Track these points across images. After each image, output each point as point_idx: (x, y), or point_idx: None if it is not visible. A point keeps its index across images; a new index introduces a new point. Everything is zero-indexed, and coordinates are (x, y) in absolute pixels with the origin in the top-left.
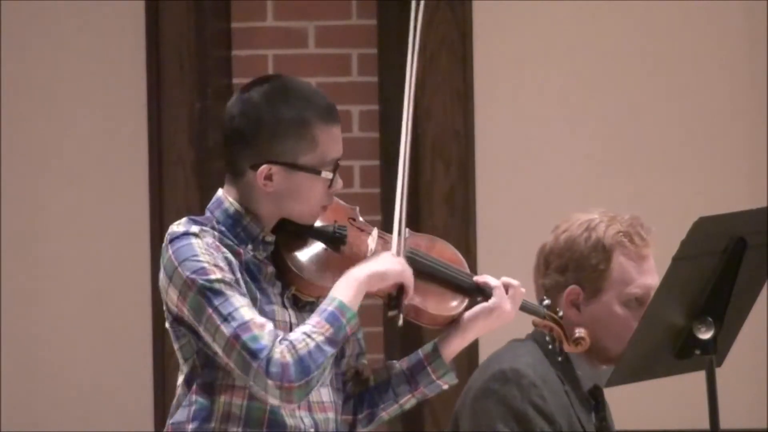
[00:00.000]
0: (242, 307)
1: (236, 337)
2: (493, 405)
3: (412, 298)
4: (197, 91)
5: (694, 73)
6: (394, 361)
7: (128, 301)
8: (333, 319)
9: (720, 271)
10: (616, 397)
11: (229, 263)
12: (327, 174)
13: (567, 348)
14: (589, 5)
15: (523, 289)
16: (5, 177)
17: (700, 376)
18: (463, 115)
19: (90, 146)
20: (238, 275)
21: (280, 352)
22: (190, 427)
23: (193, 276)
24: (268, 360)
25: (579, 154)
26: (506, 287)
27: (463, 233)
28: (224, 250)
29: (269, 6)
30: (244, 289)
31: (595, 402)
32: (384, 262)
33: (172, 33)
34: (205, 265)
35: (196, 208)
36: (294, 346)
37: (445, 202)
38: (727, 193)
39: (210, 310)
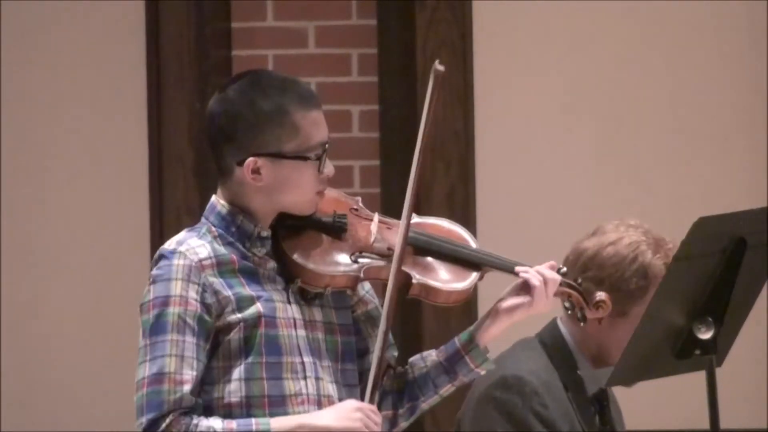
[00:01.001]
0: (171, 356)
1: (148, 382)
2: (494, 412)
3: (422, 278)
4: (197, 91)
5: (694, 73)
6: (428, 352)
7: (128, 302)
8: (246, 428)
9: (720, 271)
10: (617, 397)
11: (210, 285)
12: (312, 158)
13: (589, 314)
14: (589, 5)
15: (558, 279)
16: (5, 177)
17: (700, 376)
18: (463, 115)
19: (90, 146)
20: (227, 293)
21: (174, 423)
22: None
23: (155, 301)
24: (153, 423)
25: (579, 154)
26: (544, 281)
27: None
28: (208, 271)
29: (269, 6)
30: (230, 312)
31: (600, 406)
32: (340, 418)
33: (172, 33)
34: (172, 293)
35: (196, 208)
36: (188, 427)
37: (445, 202)
38: (727, 193)
39: (146, 341)
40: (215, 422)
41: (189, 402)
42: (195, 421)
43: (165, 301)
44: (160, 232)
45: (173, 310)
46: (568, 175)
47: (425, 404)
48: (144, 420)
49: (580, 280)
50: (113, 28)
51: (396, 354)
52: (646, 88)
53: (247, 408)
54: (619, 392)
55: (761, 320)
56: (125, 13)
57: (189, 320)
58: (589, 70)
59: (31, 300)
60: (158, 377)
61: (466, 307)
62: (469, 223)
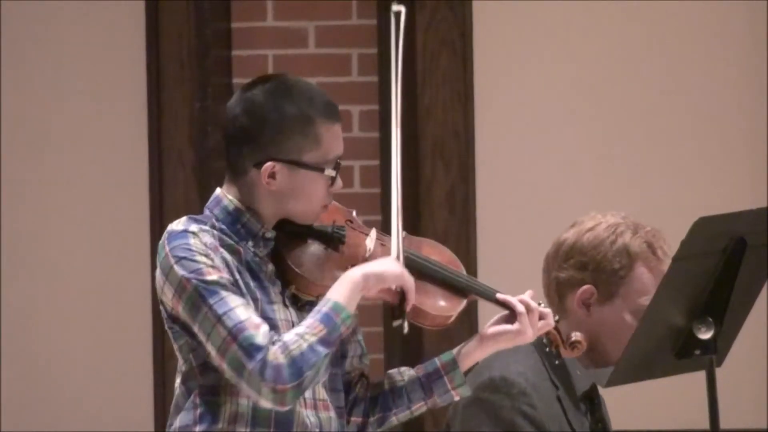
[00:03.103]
0: (238, 307)
1: (233, 336)
2: (483, 414)
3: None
4: (197, 91)
5: (694, 73)
6: (406, 368)
7: (128, 302)
8: (327, 319)
9: (720, 271)
10: (617, 397)
11: (227, 264)
12: (330, 172)
13: (563, 352)
14: (590, 5)
15: (544, 311)
16: (5, 177)
17: (700, 376)
18: (463, 115)
19: (90, 146)
20: (237, 276)
21: (274, 354)
22: (198, 428)
23: (189, 276)
24: (263, 362)
25: (579, 153)
26: (527, 309)
27: (463, 233)
28: (222, 250)
29: (269, 6)
30: (243, 290)
31: (590, 404)
32: (382, 264)
33: (172, 33)
34: (202, 266)
35: (196, 208)
36: (287, 347)
37: (445, 202)
38: (727, 193)
39: (206, 309)
40: (299, 329)
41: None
42: (285, 338)
43: (199, 272)
44: (160, 232)
45: (211, 278)
46: (568, 174)
47: (395, 417)
48: (251, 366)
49: (557, 318)
50: (113, 28)
51: (368, 362)
52: (646, 88)
53: (252, 411)
54: (619, 392)
55: (761, 320)
56: (125, 13)
57: (228, 284)
58: (589, 70)
59: (30, 300)
60: (239, 326)
61: (467, 321)
62: (469, 223)
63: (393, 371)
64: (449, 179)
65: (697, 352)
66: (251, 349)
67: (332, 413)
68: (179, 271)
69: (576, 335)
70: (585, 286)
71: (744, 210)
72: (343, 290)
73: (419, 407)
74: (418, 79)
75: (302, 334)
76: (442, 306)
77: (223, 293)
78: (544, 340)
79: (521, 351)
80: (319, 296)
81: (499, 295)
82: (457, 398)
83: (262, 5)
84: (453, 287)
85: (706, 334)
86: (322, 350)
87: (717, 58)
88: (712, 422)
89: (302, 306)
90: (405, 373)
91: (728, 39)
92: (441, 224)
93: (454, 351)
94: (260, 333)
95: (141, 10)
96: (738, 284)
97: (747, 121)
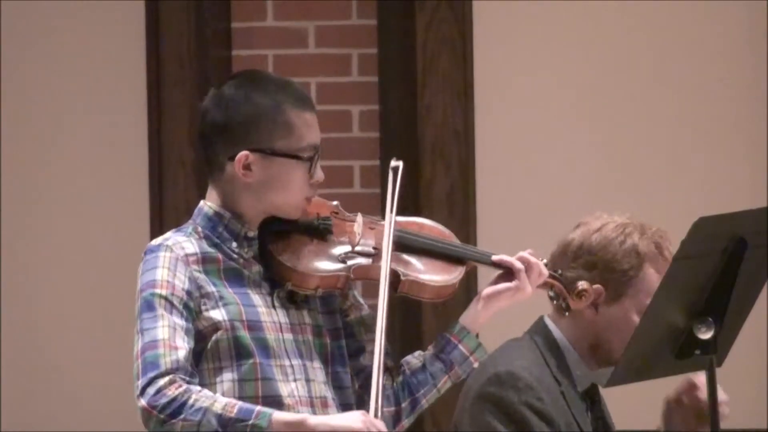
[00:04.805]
0: (164, 327)
1: (143, 351)
2: (490, 408)
3: (409, 274)
4: (197, 91)
5: (694, 73)
6: (419, 352)
7: (128, 301)
8: (246, 412)
9: (720, 271)
10: (617, 397)
11: (195, 279)
12: (304, 159)
13: (572, 303)
14: (590, 5)
15: (542, 265)
16: (5, 177)
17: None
18: (463, 115)
19: (90, 146)
20: (210, 289)
21: (170, 383)
22: None
23: (142, 287)
24: (152, 380)
25: (579, 153)
26: (526, 265)
27: (463, 233)
28: (194, 266)
29: (269, 6)
30: (214, 302)
31: (591, 401)
32: (343, 419)
33: (172, 33)
34: (158, 278)
35: (195, 209)
36: (187, 391)
37: (445, 202)
38: (727, 193)
39: (138, 321)
40: (219, 398)
41: (185, 366)
42: (198, 388)
43: (152, 284)
44: (160, 232)
45: (159, 292)
46: (568, 174)
47: (425, 399)
48: (140, 381)
49: (560, 271)
50: (113, 28)
51: (392, 362)
52: (646, 88)
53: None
54: (619, 392)
55: (761, 320)
56: (125, 13)
57: (175, 302)
58: (589, 70)
59: (31, 300)
60: (152, 344)
61: (465, 305)
62: (469, 223)
63: (408, 357)
64: (449, 179)
65: (697, 352)
66: (150, 366)
67: (332, 410)
68: (139, 282)
69: (582, 284)
70: (594, 286)
71: (744, 210)
72: (286, 417)
73: (444, 383)
74: (418, 79)
75: (214, 398)
76: (441, 276)
77: (160, 310)
78: (551, 294)
79: (524, 347)
80: (317, 288)
81: (495, 257)
82: (475, 365)
83: (262, 5)
84: (449, 257)
85: (706, 334)
86: (213, 422)
87: (717, 58)
88: (712, 422)
89: (301, 302)
90: (420, 356)
91: (728, 39)
92: (441, 224)
93: (460, 319)
94: (170, 357)
95: (141, 10)
96: (738, 284)
97: (747, 121)
